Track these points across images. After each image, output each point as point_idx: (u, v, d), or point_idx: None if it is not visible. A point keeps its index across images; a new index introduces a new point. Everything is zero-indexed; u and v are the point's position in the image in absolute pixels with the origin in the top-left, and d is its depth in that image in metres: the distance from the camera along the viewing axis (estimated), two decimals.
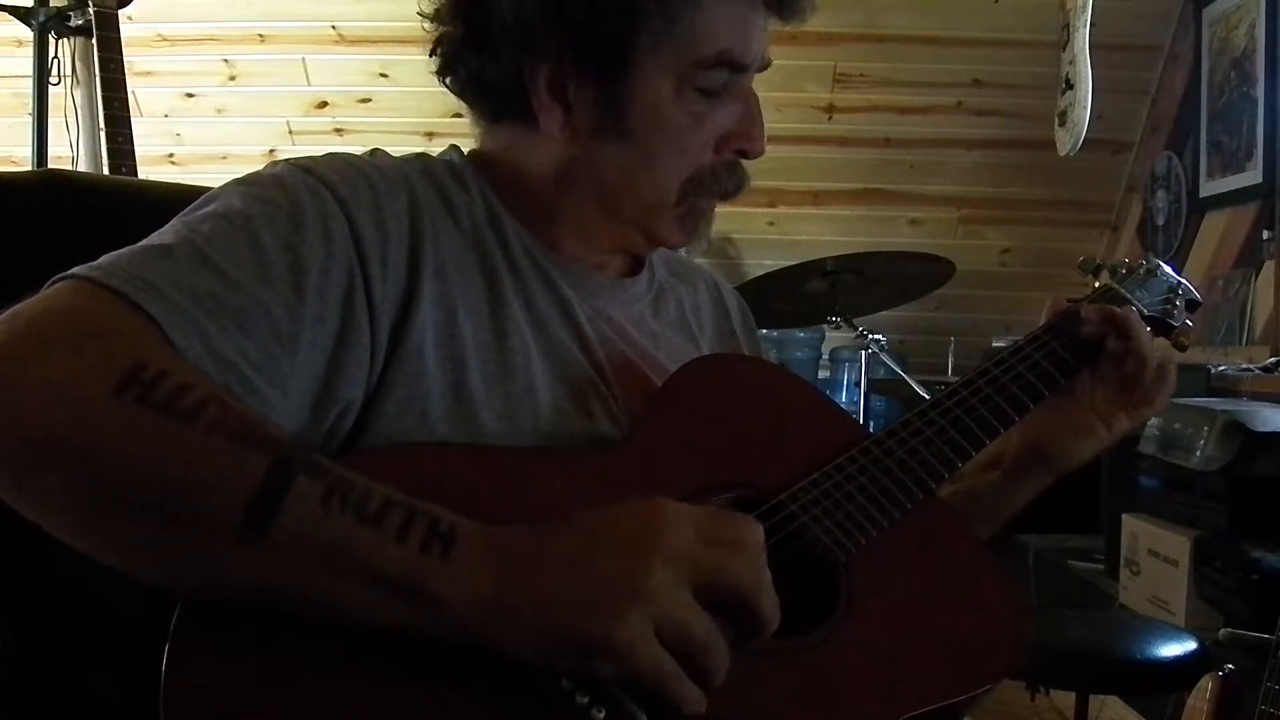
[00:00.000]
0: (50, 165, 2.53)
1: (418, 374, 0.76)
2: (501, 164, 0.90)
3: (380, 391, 0.76)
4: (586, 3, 0.80)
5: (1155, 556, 2.33)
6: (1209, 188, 3.16)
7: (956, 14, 3.31)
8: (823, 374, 3.89)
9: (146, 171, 2.77)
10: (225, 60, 3.45)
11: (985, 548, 0.89)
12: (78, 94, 2.65)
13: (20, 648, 0.77)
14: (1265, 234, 2.83)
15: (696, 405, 0.84)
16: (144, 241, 0.71)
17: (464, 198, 0.86)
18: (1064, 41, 2.89)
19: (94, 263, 0.67)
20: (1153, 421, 2.31)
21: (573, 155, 0.86)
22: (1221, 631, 1.81)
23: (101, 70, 2.47)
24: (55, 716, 0.78)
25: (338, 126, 3.61)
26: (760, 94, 0.89)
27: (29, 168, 2.54)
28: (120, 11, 2.51)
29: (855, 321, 2.76)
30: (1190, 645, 1.75)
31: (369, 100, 3.53)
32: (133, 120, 2.51)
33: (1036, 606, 2.57)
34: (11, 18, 2.58)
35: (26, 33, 2.60)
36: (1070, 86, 2.87)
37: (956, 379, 0.96)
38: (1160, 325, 1.06)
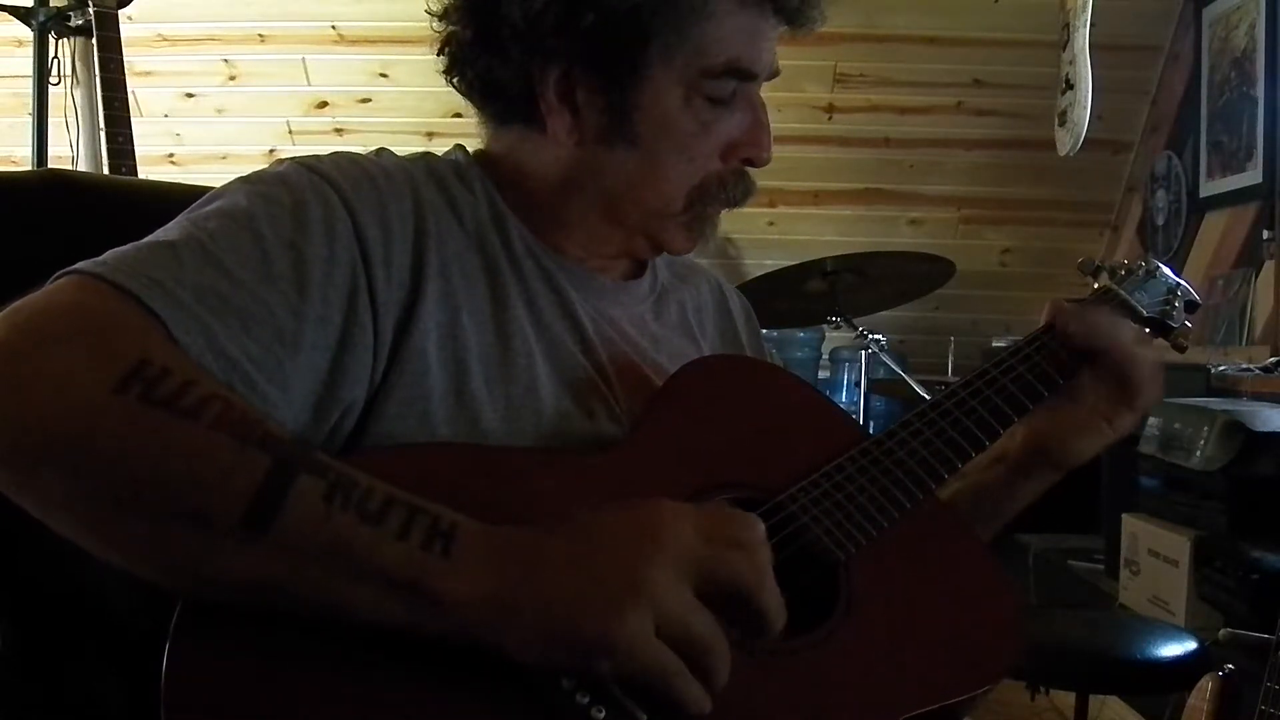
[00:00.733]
0: (50, 165, 2.53)
1: (420, 374, 0.76)
2: (506, 165, 0.90)
3: (382, 392, 0.76)
4: (598, 8, 0.80)
5: (1155, 556, 2.33)
6: (1209, 188, 3.16)
7: (956, 14, 3.32)
8: (823, 374, 3.89)
9: (146, 171, 2.77)
10: (225, 60, 3.45)
11: (985, 547, 0.89)
12: (78, 94, 2.65)
13: (20, 648, 0.77)
14: (1265, 234, 2.83)
15: (697, 405, 0.84)
16: (148, 238, 0.71)
17: (468, 198, 0.86)
18: (1064, 41, 2.89)
19: (98, 258, 0.67)
20: (1152, 421, 2.31)
21: (579, 160, 0.86)
22: (1221, 631, 1.81)
23: (101, 70, 2.47)
24: (55, 716, 0.78)
25: (338, 126, 3.62)
26: (760, 93, 0.89)
27: (29, 168, 2.54)
28: (120, 11, 2.51)
29: (855, 321, 2.77)
30: (1190, 645, 1.75)
31: (369, 100, 3.53)
32: (133, 120, 2.51)
33: (1036, 606, 2.57)
34: (11, 18, 2.58)
35: (26, 33, 2.60)
36: (1070, 86, 2.87)
37: (956, 379, 0.96)
38: (1159, 326, 1.06)
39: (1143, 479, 2.50)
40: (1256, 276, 2.89)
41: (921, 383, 2.86)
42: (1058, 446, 0.97)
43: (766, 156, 0.88)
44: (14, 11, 2.56)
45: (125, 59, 2.52)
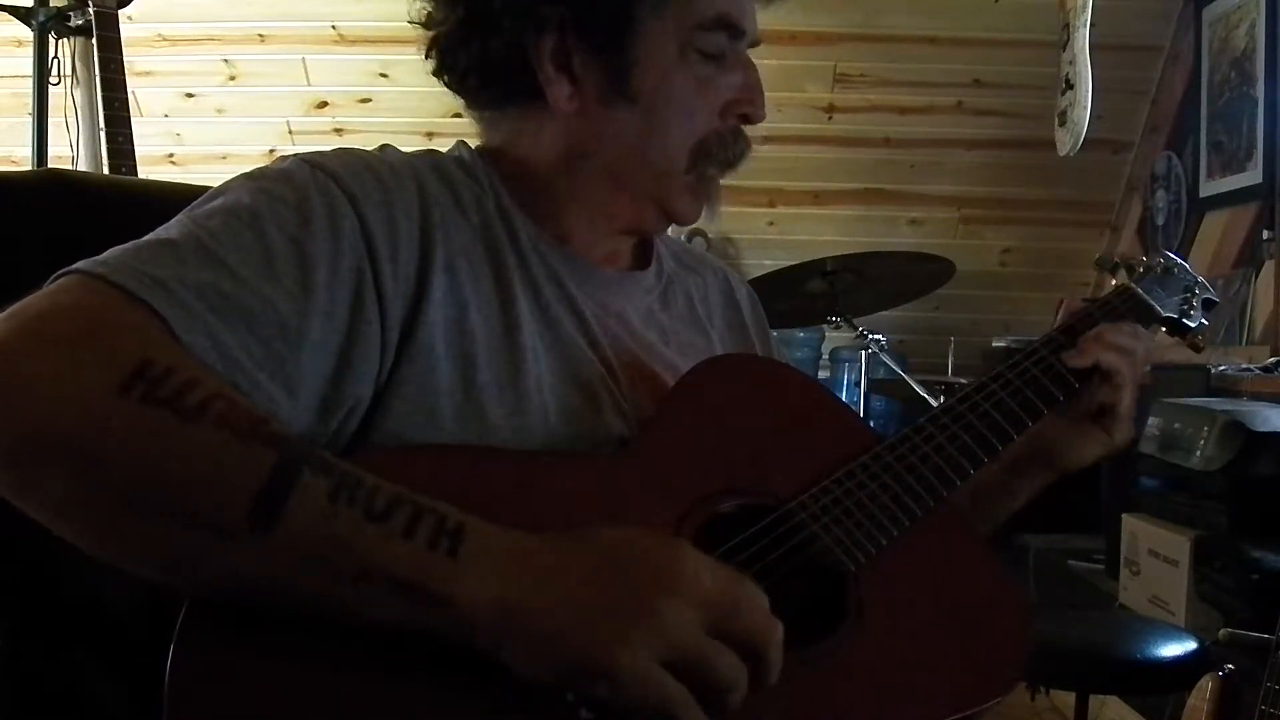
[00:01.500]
0: (50, 165, 2.53)
1: (428, 371, 0.76)
2: (508, 156, 0.89)
3: (389, 389, 0.75)
4: None
5: (1155, 556, 2.33)
6: (1209, 187, 3.17)
7: (956, 14, 3.32)
8: (823, 374, 3.89)
9: (146, 171, 2.77)
10: (225, 60, 3.45)
11: (993, 555, 0.88)
12: (78, 94, 2.65)
13: (20, 647, 0.77)
14: (1265, 234, 2.83)
15: (707, 407, 0.83)
16: (150, 236, 0.70)
17: (474, 191, 0.85)
18: (1064, 41, 2.89)
19: (98, 257, 0.67)
20: (1152, 421, 2.31)
21: (581, 128, 0.86)
22: (1221, 631, 1.81)
23: (101, 70, 2.47)
24: (54, 716, 0.78)
25: (338, 126, 3.62)
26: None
27: (29, 168, 2.54)
28: (120, 11, 2.51)
29: (855, 321, 2.77)
30: (1190, 645, 1.75)
31: (369, 100, 3.53)
32: (133, 120, 2.51)
33: (1036, 606, 2.57)
34: (11, 18, 2.58)
35: (26, 33, 2.60)
36: (1070, 86, 2.88)
37: (969, 381, 0.95)
38: (1177, 327, 1.04)
39: (1143, 479, 2.50)
40: (1256, 276, 2.89)
41: (921, 383, 2.86)
42: (1058, 450, 0.97)
43: (762, 113, 0.89)
44: (14, 11, 2.56)
45: (125, 59, 2.52)
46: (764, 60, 0.89)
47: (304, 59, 3.45)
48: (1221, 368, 2.63)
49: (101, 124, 2.53)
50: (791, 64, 3.27)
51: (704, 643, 0.63)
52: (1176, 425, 2.22)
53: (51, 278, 0.66)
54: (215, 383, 0.63)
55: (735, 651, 0.64)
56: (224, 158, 3.63)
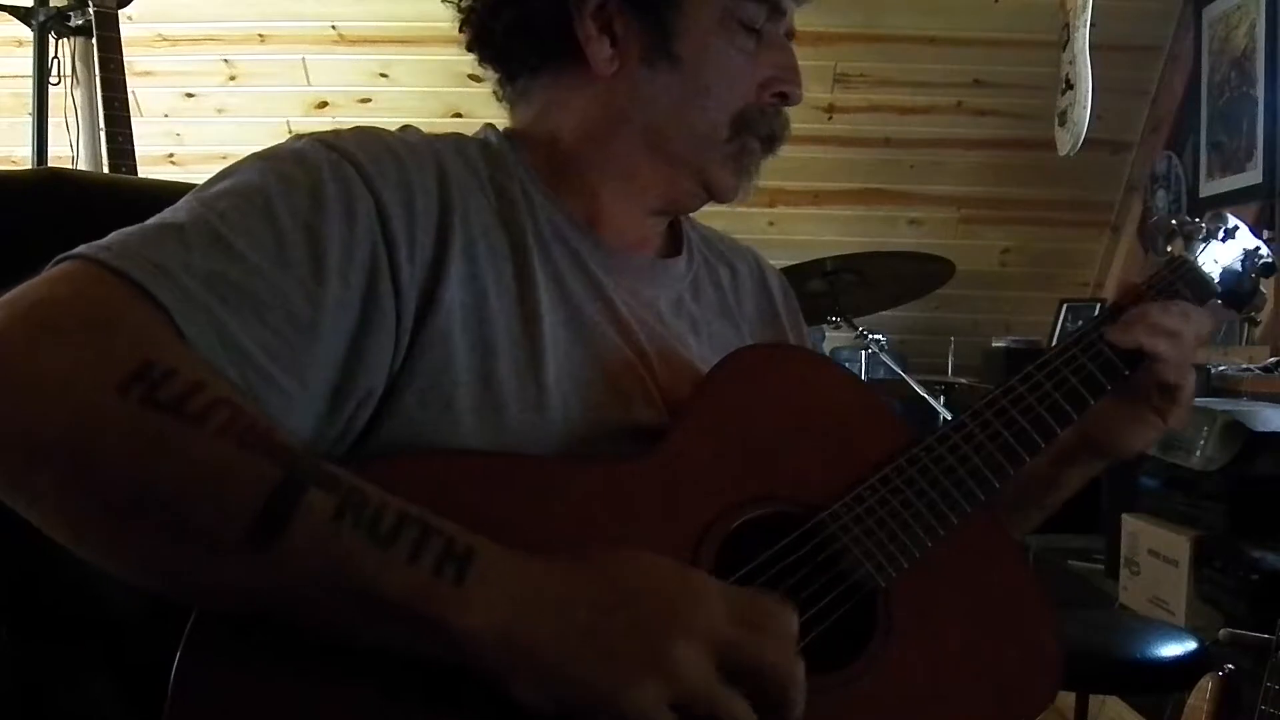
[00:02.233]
0: (50, 165, 2.53)
1: (444, 360, 0.73)
2: (538, 135, 0.87)
3: (403, 378, 0.72)
4: None
5: (1155, 556, 2.33)
6: (1209, 188, 3.16)
7: (956, 14, 3.31)
8: None
9: (146, 171, 2.77)
10: (225, 60, 3.45)
11: (1029, 567, 0.85)
12: (78, 94, 2.65)
13: (19, 648, 0.77)
14: (1265, 234, 2.82)
15: (735, 404, 0.79)
16: (155, 218, 0.67)
17: (498, 175, 0.83)
18: (1064, 41, 2.89)
19: (101, 241, 0.64)
20: None
21: (619, 92, 0.84)
22: (1221, 631, 1.81)
23: (101, 70, 2.47)
24: (54, 717, 0.78)
25: (338, 127, 3.60)
26: None
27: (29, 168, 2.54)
28: (120, 11, 2.51)
29: (855, 321, 2.77)
30: (1190, 645, 1.75)
31: (369, 100, 3.53)
32: (133, 120, 2.50)
33: None
34: (11, 18, 2.58)
35: (26, 33, 2.60)
36: (1070, 86, 2.87)
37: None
38: (1233, 300, 0.97)
39: (1143, 479, 2.50)
40: None
41: (921, 383, 2.86)
42: (1110, 437, 0.93)
43: (799, 93, 0.87)
44: (14, 11, 2.56)
45: (125, 59, 2.52)
46: None
47: (304, 59, 3.44)
48: (1221, 368, 2.62)
49: (101, 124, 2.53)
50: None
51: (714, 688, 0.62)
52: None
53: (51, 263, 0.64)
54: (220, 387, 0.60)
55: (754, 691, 0.63)
56: (224, 158, 3.56)
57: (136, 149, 2.50)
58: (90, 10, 2.48)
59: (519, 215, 0.81)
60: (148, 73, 3.38)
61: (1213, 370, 2.61)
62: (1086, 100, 2.82)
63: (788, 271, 2.72)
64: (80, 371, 0.58)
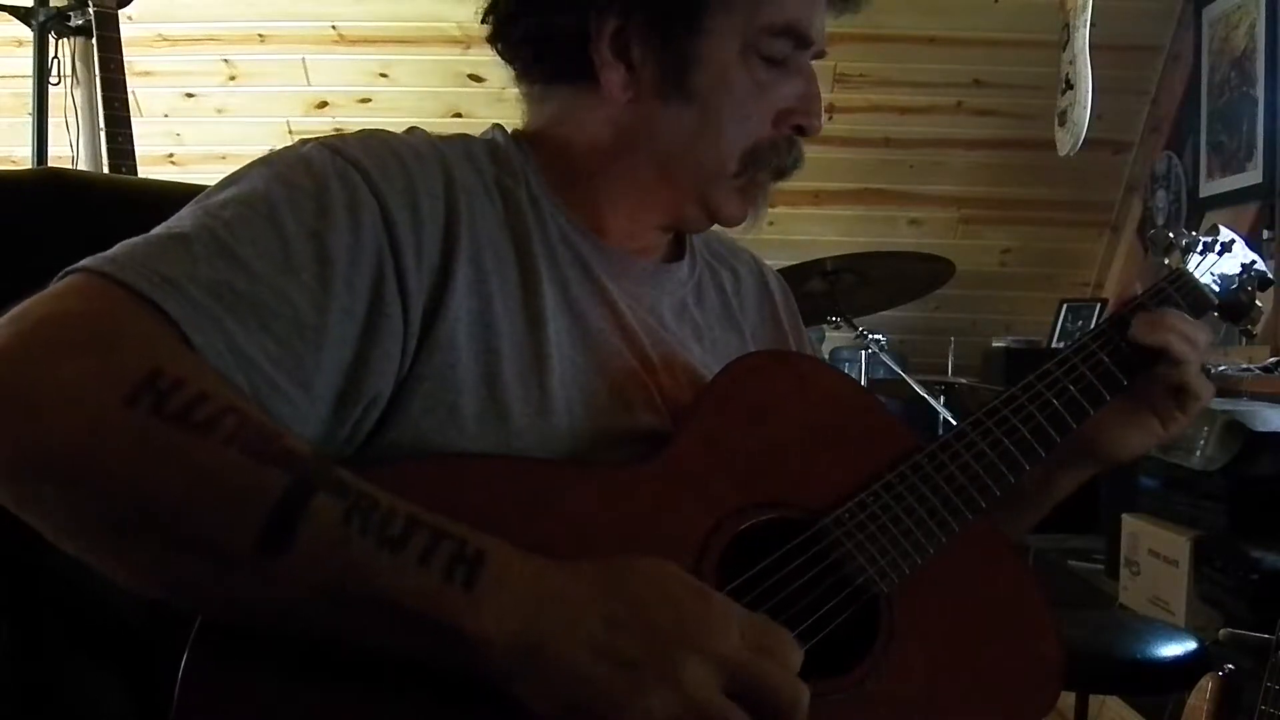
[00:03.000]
0: (51, 165, 2.53)
1: (449, 366, 0.73)
2: (548, 140, 0.86)
3: (409, 384, 0.72)
4: None
5: (1155, 556, 2.33)
6: (1209, 188, 3.16)
7: (956, 14, 3.32)
8: None
9: (146, 171, 2.77)
10: (225, 60, 3.45)
11: (1029, 570, 0.85)
12: (78, 94, 2.65)
13: (20, 648, 0.77)
14: (1265, 234, 2.83)
15: (739, 410, 0.79)
16: (160, 229, 0.67)
17: (505, 179, 0.82)
18: (1064, 41, 2.89)
19: (106, 254, 0.64)
20: None
21: (632, 118, 0.83)
22: (1221, 631, 1.81)
23: (101, 70, 2.47)
24: (55, 717, 0.78)
25: (337, 127, 3.61)
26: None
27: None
28: (120, 11, 2.51)
29: (855, 321, 2.77)
30: (1190, 645, 1.75)
31: (369, 100, 3.53)
32: (133, 120, 2.50)
33: None
34: (11, 18, 2.58)
35: (26, 33, 2.60)
36: (1070, 86, 2.87)
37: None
38: (1232, 311, 0.99)
39: (1143, 479, 2.50)
40: None
41: (921, 383, 2.86)
42: (1106, 443, 0.94)
43: (818, 125, 0.86)
44: (14, 11, 2.56)
45: (125, 59, 2.52)
46: None
47: (304, 59, 3.45)
48: (1221, 368, 2.62)
49: (101, 124, 2.53)
50: None
51: (721, 704, 0.62)
52: None
53: (57, 276, 0.64)
54: (228, 396, 0.60)
55: (754, 711, 0.63)
56: (224, 158, 3.62)
57: (136, 149, 2.50)
58: (90, 10, 2.48)
59: (525, 220, 0.81)
60: (148, 73, 3.38)
61: (1213, 370, 2.61)
62: (1086, 100, 2.82)
63: (787, 271, 2.73)
64: (88, 384, 0.58)
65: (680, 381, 0.83)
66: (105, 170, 2.52)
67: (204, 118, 3.57)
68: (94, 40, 2.48)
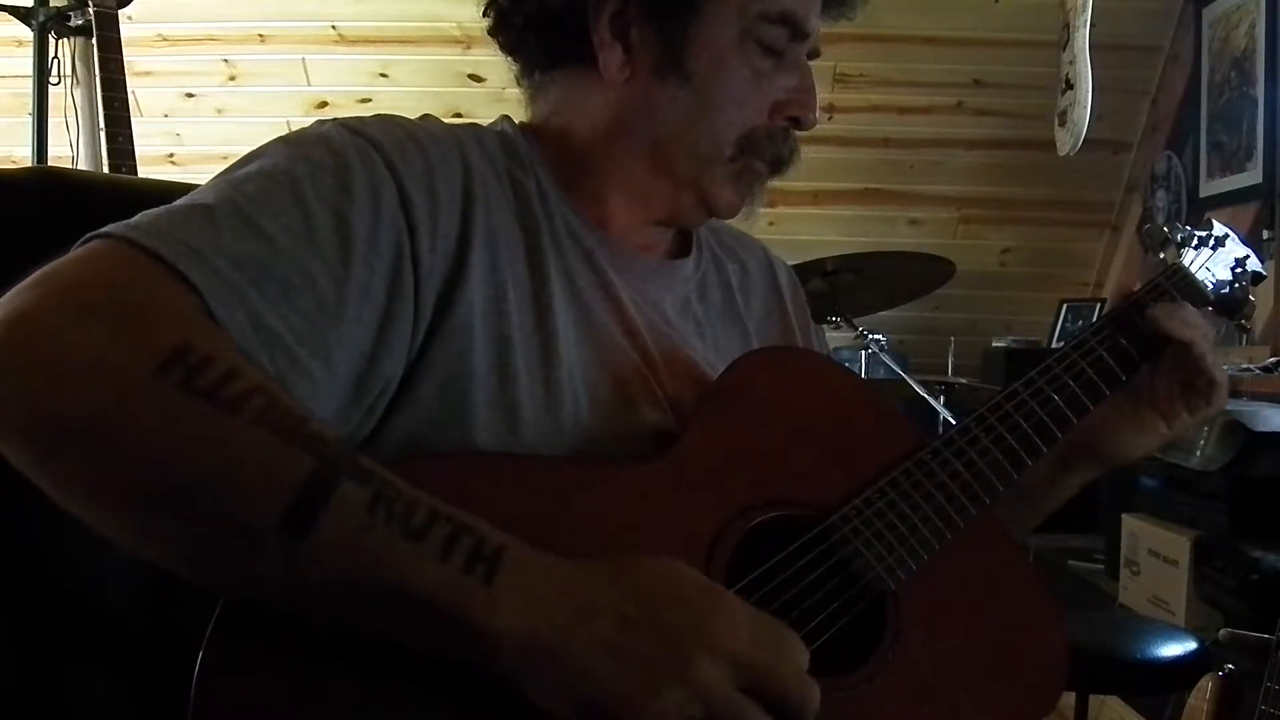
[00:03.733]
0: (51, 165, 2.53)
1: (463, 353, 0.73)
2: (551, 131, 0.87)
3: (420, 370, 0.72)
4: None
5: (1155, 556, 2.33)
6: (1209, 188, 3.16)
7: (956, 14, 3.31)
8: None
9: (146, 171, 2.77)
10: (225, 60, 3.45)
11: (1033, 566, 0.85)
12: (78, 94, 2.65)
13: (20, 647, 0.77)
14: (1265, 234, 2.83)
15: (745, 409, 0.80)
16: (183, 200, 0.67)
17: (515, 168, 0.83)
18: (1064, 41, 2.89)
19: (130, 221, 0.64)
20: None
21: (629, 99, 0.84)
22: (1221, 631, 1.81)
23: (101, 70, 2.47)
24: (54, 717, 0.78)
25: None
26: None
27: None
28: (120, 11, 2.51)
29: (855, 321, 2.77)
30: (1190, 645, 1.75)
31: (369, 100, 3.53)
32: (133, 120, 2.50)
33: None
34: (11, 18, 2.58)
35: (26, 33, 2.60)
36: (1070, 86, 2.87)
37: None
38: (1228, 306, 0.99)
39: (1143, 479, 2.50)
40: None
41: (921, 383, 2.86)
42: (1109, 443, 0.94)
43: (813, 118, 0.87)
44: (14, 11, 2.56)
45: (125, 59, 2.52)
46: None
47: (304, 59, 3.45)
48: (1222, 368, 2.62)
49: (101, 124, 2.53)
50: None
51: (736, 700, 0.62)
52: None
53: (80, 241, 0.63)
54: (256, 375, 0.60)
55: (766, 709, 0.63)
56: (224, 158, 3.57)
57: (136, 149, 2.49)
58: (90, 10, 2.48)
59: (534, 212, 0.81)
60: (148, 73, 3.38)
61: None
62: (1086, 100, 2.82)
63: None
64: (117, 354, 0.57)
65: (681, 379, 0.83)
66: (105, 170, 2.52)
67: (204, 118, 3.57)
68: (94, 40, 2.48)
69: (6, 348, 0.58)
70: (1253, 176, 2.93)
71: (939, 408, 2.82)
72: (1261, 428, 2.07)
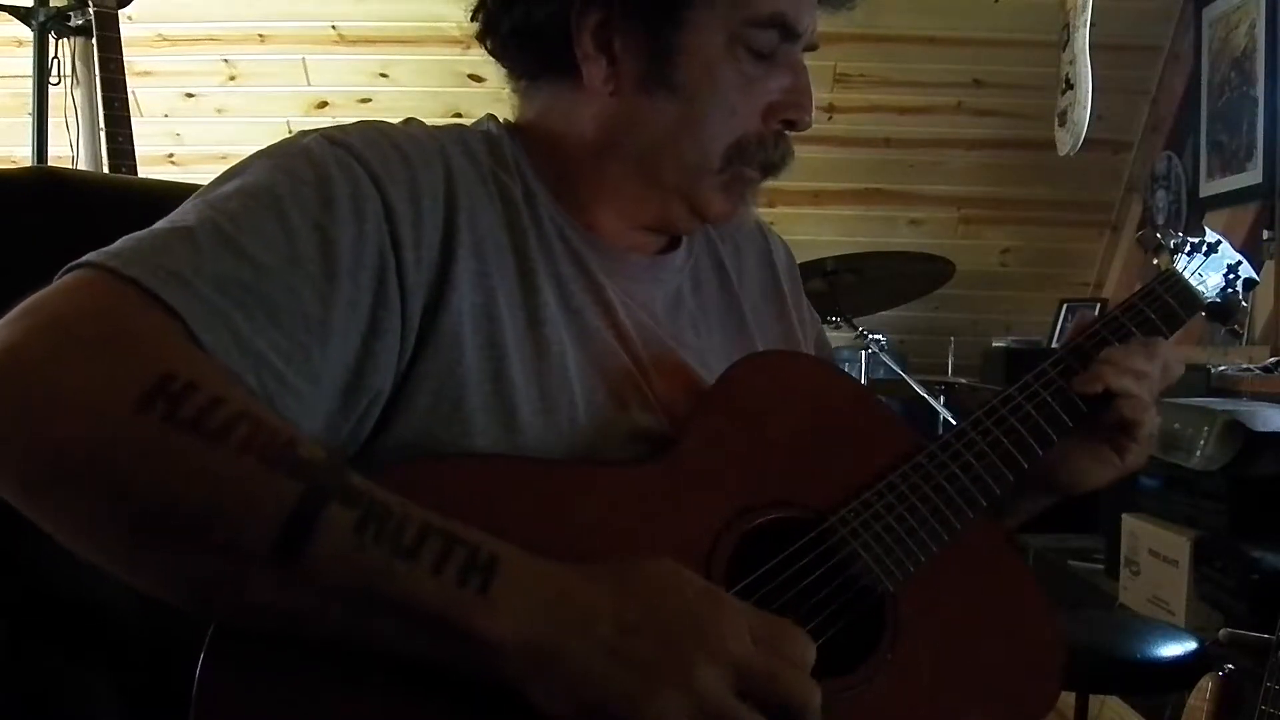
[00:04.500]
0: (51, 165, 2.53)
1: (453, 361, 0.72)
2: (538, 133, 0.86)
3: (412, 380, 0.72)
4: None
5: (1155, 556, 2.33)
6: (1209, 188, 3.16)
7: (956, 14, 3.31)
8: None
9: (146, 171, 2.77)
10: (225, 60, 3.45)
11: (1027, 568, 0.86)
12: (78, 94, 2.65)
13: (18, 648, 0.77)
14: (1265, 234, 2.83)
15: (745, 411, 0.80)
16: (163, 222, 0.67)
17: (501, 170, 0.81)
18: (1064, 41, 2.89)
19: (111, 248, 0.63)
20: None
21: (615, 113, 0.82)
22: (1221, 631, 1.81)
23: (101, 70, 2.47)
24: (55, 716, 0.78)
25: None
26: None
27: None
28: (120, 11, 2.51)
29: (855, 321, 2.77)
30: (1190, 645, 1.75)
31: (369, 100, 3.53)
32: (133, 120, 2.50)
33: None
34: (11, 18, 2.58)
35: (26, 33, 2.60)
36: (1070, 86, 2.87)
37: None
38: (1221, 313, 1.00)
39: (1143, 479, 2.49)
40: None
41: (921, 383, 2.86)
42: (1066, 472, 0.94)
43: (808, 120, 0.85)
44: (14, 11, 2.56)
45: (125, 59, 2.52)
46: None
47: (304, 59, 3.45)
48: (1221, 368, 2.62)
49: (101, 124, 2.53)
50: None
51: (734, 705, 0.62)
52: (1176, 425, 2.22)
53: (62, 270, 0.63)
54: (240, 399, 0.60)
55: (768, 711, 0.63)
56: (224, 158, 3.62)
57: (136, 149, 2.50)
58: (90, 10, 2.48)
59: (521, 214, 0.81)
60: (148, 73, 3.38)
61: (1213, 370, 2.61)
62: (1086, 100, 2.82)
63: None
64: (101, 387, 0.57)
65: (672, 381, 0.83)
66: (105, 170, 2.52)
67: (204, 118, 3.57)
68: (94, 40, 2.48)
69: None
70: (1253, 176, 2.93)
71: (939, 408, 2.82)
72: (1261, 428, 2.07)
